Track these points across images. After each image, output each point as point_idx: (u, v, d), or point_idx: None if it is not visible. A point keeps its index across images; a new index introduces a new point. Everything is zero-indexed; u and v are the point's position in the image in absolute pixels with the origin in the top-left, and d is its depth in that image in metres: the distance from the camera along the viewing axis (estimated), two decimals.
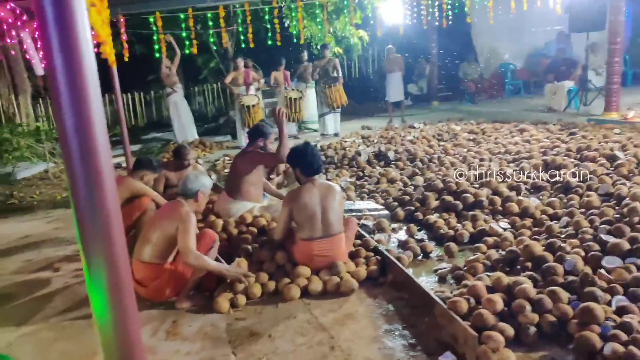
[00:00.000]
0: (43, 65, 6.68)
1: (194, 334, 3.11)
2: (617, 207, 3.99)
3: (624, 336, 2.49)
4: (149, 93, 14.57)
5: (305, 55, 10.72)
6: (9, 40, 7.35)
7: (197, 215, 3.78)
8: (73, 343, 3.09)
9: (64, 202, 6.83)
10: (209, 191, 3.69)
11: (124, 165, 6.73)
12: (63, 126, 0.98)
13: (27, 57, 7.11)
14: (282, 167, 6.06)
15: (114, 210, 1.01)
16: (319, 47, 11.01)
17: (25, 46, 6.79)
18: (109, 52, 4.99)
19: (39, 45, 6.85)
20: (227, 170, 5.31)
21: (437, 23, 11.87)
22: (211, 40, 11.26)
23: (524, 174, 5.34)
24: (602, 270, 3.07)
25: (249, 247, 3.95)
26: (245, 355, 2.83)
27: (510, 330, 2.67)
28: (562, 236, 3.75)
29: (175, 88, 10.22)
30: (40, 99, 12.11)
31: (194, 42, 8.30)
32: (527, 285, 2.93)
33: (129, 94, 13.68)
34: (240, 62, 9.89)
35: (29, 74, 10.97)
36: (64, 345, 3.07)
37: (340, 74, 10.19)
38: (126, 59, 6.54)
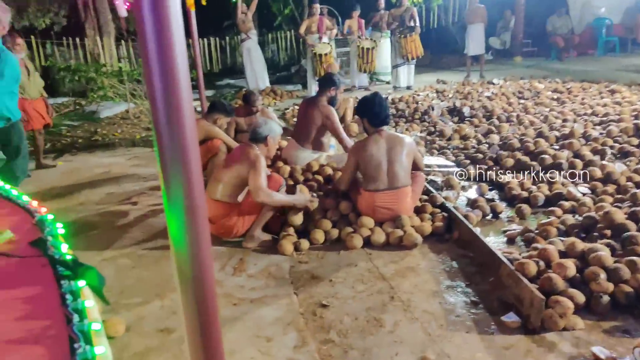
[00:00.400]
0: (126, 7, 6.90)
1: (259, 272, 3.24)
2: None
3: None
4: (224, 39, 14.75)
5: (382, 2, 10.37)
6: None
7: (266, 160, 3.87)
8: (149, 270, 3.32)
9: (142, 141, 7.21)
10: (278, 137, 3.77)
11: (199, 109, 6.94)
12: (148, 66, 1.01)
13: None
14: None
15: (192, 145, 1.04)
16: None
17: None
18: None
19: None
20: (296, 119, 5.33)
21: None
22: None
23: (610, 137, 4.98)
24: None
25: (314, 194, 4.00)
26: (306, 296, 2.92)
27: (580, 297, 2.57)
28: None
29: (249, 34, 10.29)
30: (122, 41, 12.59)
31: None
32: (604, 252, 2.78)
33: (205, 40, 13.91)
34: (317, 7, 9.74)
35: (113, 15, 11.37)
36: (141, 272, 3.31)
37: (418, 24, 9.80)
38: (204, 3, 6.59)
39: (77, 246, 3.56)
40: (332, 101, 4.74)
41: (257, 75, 10.54)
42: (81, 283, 1.72)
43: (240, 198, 3.56)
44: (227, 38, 14.75)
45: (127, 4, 6.88)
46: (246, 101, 5.47)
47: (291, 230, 3.66)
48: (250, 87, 10.22)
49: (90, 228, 4.09)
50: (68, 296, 1.60)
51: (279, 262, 3.37)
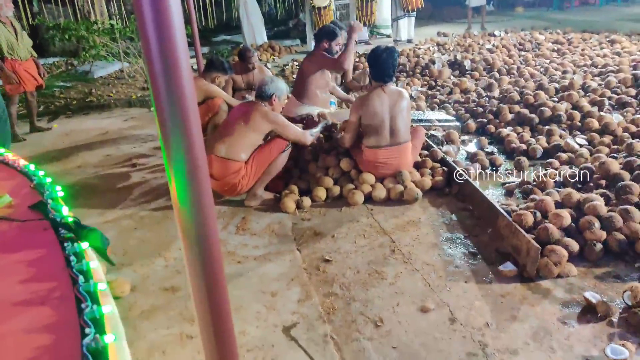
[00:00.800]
0: None
1: (262, 230, 3.30)
2: None
3: None
4: None
5: None
6: None
7: None
8: (151, 231, 3.37)
9: (139, 101, 7.15)
10: (284, 96, 3.71)
11: (195, 67, 6.84)
12: (143, 22, 1.00)
13: None
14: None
15: (190, 103, 1.05)
16: None
17: None
18: None
19: None
20: (295, 76, 5.26)
21: None
22: None
23: (609, 88, 4.95)
24: None
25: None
26: (309, 252, 2.99)
27: (574, 246, 2.64)
28: None
29: None
30: None
31: None
32: (599, 202, 2.83)
33: None
34: None
35: None
36: (143, 233, 3.36)
37: None
38: None
39: (78, 209, 3.62)
40: (327, 53, 4.64)
41: (254, 30, 10.34)
42: (84, 245, 1.75)
43: (244, 156, 3.57)
44: None
45: None
46: (242, 58, 5.39)
47: (294, 188, 3.71)
48: (248, 43, 10.05)
49: (90, 191, 4.12)
50: (72, 258, 1.63)
51: (281, 219, 3.43)
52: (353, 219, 3.36)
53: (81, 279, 1.51)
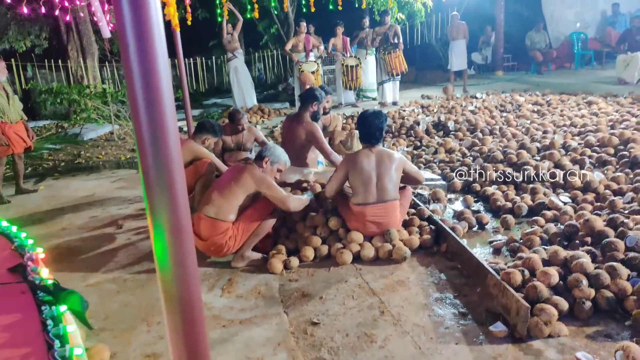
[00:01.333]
0: (110, 28, 6.91)
1: (248, 292, 3.24)
2: None
3: None
4: (210, 58, 14.82)
5: (366, 21, 10.53)
6: (77, 2, 7.61)
7: None
8: (134, 295, 3.29)
9: (128, 162, 7.17)
10: (279, 164, 3.73)
11: (185, 129, 6.94)
12: (132, 86, 1.03)
13: (95, 19, 7.37)
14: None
15: (176, 165, 1.06)
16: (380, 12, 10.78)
17: (92, 8, 7.03)
18: (173, 14, 5.07)
19: (106, 8, 7.07)
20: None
21: None
22: (272, 4, 11.25)
23: (589, 147, 5.10)
24: None
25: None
26: (297, 314, 2.92)
27: (564, 304, 2.61)
28: (626, 212, 3.58)
29: (236, 53, 10.37)
30: (106, 62, 12.59)
31: (256, 6, 8.32)
32: (585, 259, 2.84)
33: (191, 59, 13.97)
34: (304, 26, 9.86)
35: (97, 37, 11.36)
36: (126, 296, 3.28)
37: (401, 41, 9.97)
38: (189, 23, 6.65)
39: (60, 272, 3.54)
40: (315, 116, 4.75)
41: (244, 93, 10.60)
42: (63, 308, 1.70)
43: (232, 217, 3.56)
44: (214, 57, 14.82)
45: (112, 25, 6.89)
46: (231, 119, 5.49)
47: (282, 248, 3.68)
48: (238, 106, 10.26)
49: (73, 253, 4.05)
50: (49, 322, 1.59)
51: (268, 281, 3.37)
52: (341, 279, 3.31)
53: (57, 343, 1.46)
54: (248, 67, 11.67)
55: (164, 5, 5.00)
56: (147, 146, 1.03)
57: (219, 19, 9.95)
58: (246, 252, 3.61)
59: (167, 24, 5.57)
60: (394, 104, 10.13)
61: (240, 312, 3.00)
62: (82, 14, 10.09)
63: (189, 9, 6.81)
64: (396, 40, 9.84)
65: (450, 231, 3.59)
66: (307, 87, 5.26)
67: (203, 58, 14.59)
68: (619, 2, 12.86)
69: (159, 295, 2.75)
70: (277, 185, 3.64)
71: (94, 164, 7.23)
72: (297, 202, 3.69)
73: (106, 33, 7.28)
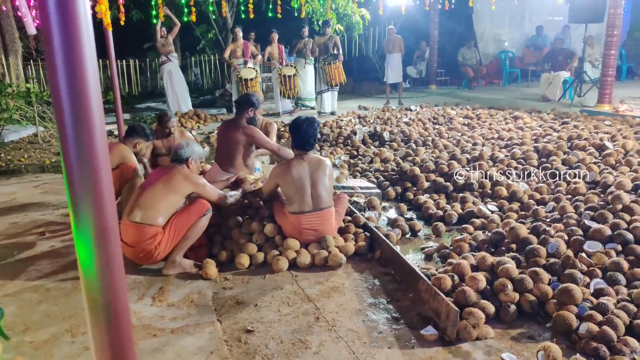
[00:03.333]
0: (36, 24, 6.56)
1: (180, 301, 3.14)
2: (602, 195, 4.05)
3: (599, 317, 2.56)
4: (144, 61, 14.39)
5: (306, 30, 10.61)
6: None
7: None
8: (57, 305, 3.10)
9: (53, 166, 6.79)
10: (200, 159, 3.74)
11: (116, 133, 6.68)
12: (56, 86, 0.98)
13: (19, 15, 6.96)
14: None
15: (103, 165, 1.01)
16: (319, 23, 10.90)
17: (17, 3, 6.63)
18: (105, 12, 4.85)
19: (32, 3, 6.69)
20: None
21: (439, 6, 11.77)
22: (210, 9, 11.09)
23: (514, 159, 5.39)
24: (583, 254, 3.13)
25: (240, 218, 3.97)
26: (231, 322, 2.87)
27: (491, 308, 2.73)
28: (548, 220, 3.81)
29: (170, 57, 10.11)
30: (31, 60, 11.90)
31: (193, 9, 8.16)
32: (510, 265, 2.99)
33: (124, 61, 13.50)
34: (239, 32, 9.77)
35: (21, 33, 10.74)
36: (48, 306, 3.08)
37: (341, 52, 10.13)
38: (122, 23, 6.41)
39: None
40: (251, 122, 4.68)
41: (179, 98, 10.34)
42: None
43: (161, 220, 3.44)
44: (148, 60, 14.39)
45: (37, 21, 6.52)
46: (160, 122, 5.34)
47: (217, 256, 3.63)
48: (172, 111, 10.00)
49: None
50: None
51: (201, 289, 3.29)
52: (277, 286, 3.29)
53: None
54: (184, 71, 11.43)
55: (95, 3, 4.79)
56: (71, 143, 0.98)
57: (154, 21, 9.69)
58: (177, 258, 3.50)
59: (99, 24, 5.36)
60: (332, 113, 10.26)
61: (171, 321, 2.90)
62: (4, 8, 9.49)
63: (122, 9, 6.58)
64: (336, 51, 10.00)
65: (385, 238, 3.66)
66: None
67: (137, 60, 14.14)
68: (542, 25, 13.75)
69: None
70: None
71: (15, 168, 6.77)
72: (232, 198, 3.80)
73: (31, 29, 6.89)
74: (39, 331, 2.80)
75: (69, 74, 0.96)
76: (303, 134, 3.75)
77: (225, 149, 4.69)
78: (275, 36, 10.27)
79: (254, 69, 9.70)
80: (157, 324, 2.87)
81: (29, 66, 11.59)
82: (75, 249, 1.01)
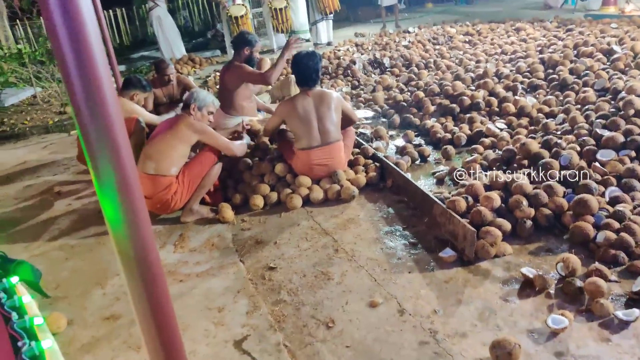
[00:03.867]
0: None
1: (201, 245, 3.21)
2: (613, 102, 3.98)
3: (616, 224, 2.59)
4: (131, 9, 13.90)
5: None
6: None
7: None
8: (84, 260, 3.19)
9: (56, 126, 6.77)
10: (207, 107, 3.56)
11: (114, 86, 6.57)
12: (57, 40, 0.94)
13: None
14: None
15: (116, 119, 1.00)
16: None
17: None
18: None
19: None
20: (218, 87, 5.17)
21: None
22: None
23: (520, 73, 5.27)
24: (597, 164, 3.12)
25: (249, 160, 3.97)
26: (253, 261, 2.94)
27: (507, 225, 2.77)
28: (559, 133, 3.78)
29: (157, 2, 9.78)
30: (17, 20, 11.55)
31: None
32: (524, 181, 2.99)
33: (111, 11, 13.05)
34: None
35: None
36: (75, 263, 3.18)
37: None
38: None
39: (0, 245, 3.36)
40: (249, 61, 4.56)
41: (171, 44, 10.09)
42: (14, 279, 1.63)
43: (174, 170, 3.45)
44: (135, 8, 13.90)
45: None
46: (157, 70, 5.23)
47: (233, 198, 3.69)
48: (166, 57, 9.77)
49: (12, 224, 3.84)
50: (2, 295, 1.52)
51: (220, 232, 3.35)
52: (294, 224, 3.34)
53: (14, 315, 1.41)
54: (173, 15, 11.05)
55: None
56: (82, 102, 0.96)
57: None
58: (194, 206, 3.55)
59: None
60: (329, 44, 10.00)
61: (195, 265, 2.98)
62: None
63: None
64: None
65: (395, 167, 3.67)
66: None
67: (124, 9, 13.66)
68: None
69: (111, 258, 2.66)
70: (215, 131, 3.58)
71: (20, 131, 6.75)
72: (241, 146, 3.70)
73: None
74: (70, 287, 2.89)
75: (68, 28, 0.92)
76: (304, 69, 3.68)
77: (223, 91, 4.63)
78: None
79: (243, 5, 9.36)
80: (182, 269, 2.95)
81: (15, 26, 11.25)
82: (100, 206, 1.02)
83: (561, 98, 4.49)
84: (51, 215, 3.93)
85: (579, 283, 2.27)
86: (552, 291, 2.34)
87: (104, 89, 0.98)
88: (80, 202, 4.10)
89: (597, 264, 2.40)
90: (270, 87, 5.85)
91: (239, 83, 4.49)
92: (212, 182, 3.58)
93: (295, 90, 5.52)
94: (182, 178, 3.46)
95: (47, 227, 3.72)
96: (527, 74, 5.26)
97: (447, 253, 2.69)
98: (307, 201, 3.58)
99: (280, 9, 9.41)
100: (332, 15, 10.00)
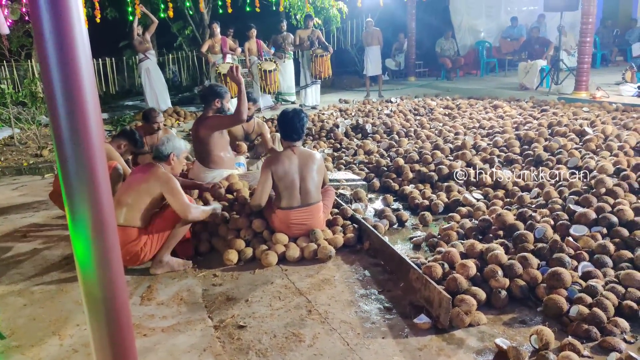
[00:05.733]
0: (8, 23, 6.37)
1: (170, 299, 3.10)
2: (585, 179, 4.11)
3: (589, 299, 2.61)
4: (121, 59, 14.13)
5: (284, 25, 10.55)
6: None
7: None
8: (43, 308, 3.03)
9: (30, 169, 6.64)
10: (183, 155, 3.58)
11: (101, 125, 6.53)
12: (50, 84, 0.94)
13: None
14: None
15: (99, 159, 0.99)
16: (297, 16, 10.85)
17: None
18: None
19: (4, 2, 6.51)
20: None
21: None
22: (187, 4, 10.91)
23: (497, 147, 5.44)
24: (570, 238, 3.18)
25: (226, 214, 3.93)
26: (222, 319, 2.84)
27: (482, 294, 2.75)
28: (533, 206, 3.85)
29: (147, 54, 9.95)
30: (4, 61, 11.60)
31: (170, 5, 8.02)
32: (499, 251, 3.01)
33: (100, 60, 13.24)
34: (217, 27, 9.65)
35: None
36: (34, 310, 3.02)
37: (330, 45, 10.19)
38: (98, 21, 6.28)
39: None
40: (220, 113, 4.55)
41: (157, 96, 10.19)
42: None
43: (143, 221, 3.36)
44: (124, 58, 14.14)
45: (10, 20, 6.31)
46: (146, 118, 5.25)
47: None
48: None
49: None
50: None
51: (190, 286, 3.25)
52: (267, 281, 3.27)
53: None
54: (162, 68, 11.24)
55: None
56: (65, 133, 0.95)
57: (130, 18, 9.51)
58: (165, 257, 3.45)
59: None
60: (314, 107, 10.24)
61: (162, 319, 2.86)
62: None
63: (97, 6, 6.44)
64: (321, 45, 10.06)
65: (373, 229, 3.67)
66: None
67: (113, 59, 13.88)
68: (516, 17, 13.92)
69: (72, 307, 2.54)
70: (182, 189, 3.42)
71: None
72: (198, 212, 3.44)
73: (4, 29, 6.69)
74: (25, 335, 2.73)
75: (62, 68, 0.93)
76: (290, 124, 3.71)
77: (199, 146, 4.56)
78: (254, 32, 10.18)
79: (232, 64, 9.60)
80: (147, 323, 2.83)
81: (2, 67, 11.30)
82: (72, 244, 0.98)
83: (535, 173, 4.62)
84: (14, 259, 3.78)
85: (552, 357, 2.24)
86: None
87: (91, 126, 0.97)
88: (46, 246, 3.96)
89: (570, 338, 2.38)
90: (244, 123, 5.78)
91: (212, 133, 4.45)
92: (184, 232, 3.50)
93: (279, 147, 5.56)
94: (152, 228, 3.39)
95: (8, 270, 3.56)
96: (504, 148, 5.43)
97: (422, 319, 2.64)
98: (282, 259, 3.52)
99: (270, 71, 9.67)
100: (320, 80, 10.34)
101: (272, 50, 10.78)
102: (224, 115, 4.47)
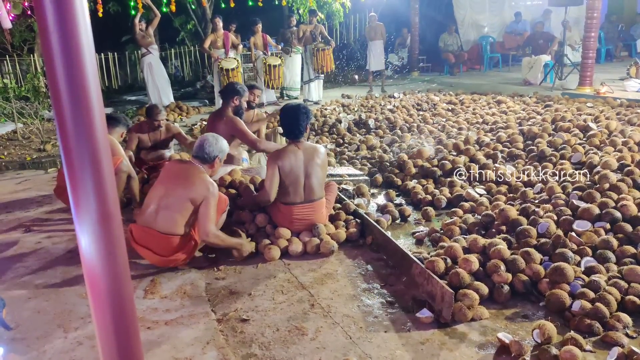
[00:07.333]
0: (11, 18, 6.37)
1: (173, 293, 3.11)
2: (588, 175, 4.10)
3: (591, 294, 2.61)
4: (123, 54, 14.13)
5: (294, 19, 10.53)
6: None
7: None
8: (48, 301, 3.05)
9: (33, 163, 6.66)
10: (224, 158, 3.48)
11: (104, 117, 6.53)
12: (55, 78, 0.95)
13: None
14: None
15: (103, 149, 0.99)
16: (300, 11, 10.82)
17: None
18: None
19: None
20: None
21: None
22: None
23: (500, 142, 5.43)
24: (573, 233, 3.17)
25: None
26: (225, 312, 2.85)
27: (484, 289, 2.76)
28: (536, 201, 3.85)
29: (150, 49, 9.93)
30: (7, 56, 11.60)
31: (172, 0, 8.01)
32: (502, 246, 3.01)
33: (102, 55, 13.24)
34: (219, 22, 9.62)
35: None
36: (38, 303, 3.03)
37: (332, 40, 10.19)
38: (100, 15, 6.27)
39: None
40: (237, 111, 4.62)
41: (159, 90, 10.18)
42: None
43: (188, 229, 3.30)
44: (127, 53, 14.13)
45: (12, 15, 6.29)
46: (149, 114, 5.24)
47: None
48: (153, 103, 9.85)
49: None
50: None
51: (193, 280, 3.26)
52: (270, 275, 3.28)
53: None
54: (164, 63, 11.21)
55: None
56: (70, 125, 0.95)
57: (133, 12, 9.49)
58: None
59: None
60: (316, 103, 10.22)
61: (165, 313, 2.88)
62: None
63: (99, 1, 6.43)
64: (323, 40, 10.05)
65: (375, 224, 3.67)
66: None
67: (115, 53, 13.88)
68: (520, 12, 13.85)
69: (76, 300, 2.56)
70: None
71: None
72: (218, 240, 3.30)
73: (6, 24, 6.70)
74: (30, 328, 2.75)
75: (66, 62, 0.93)
76: (292, 121, 3.69)
77: None
78: (260, 26, 10.16)
79: (235, 59, 9.59)
80: (151, 316, 2.84)
81: (4, 62, 11.30)
82: (77, 237, 0.98)
83: (539, 168, 4.61)
84: (18, 253, 3.79)
85: (554, 351, 2.25)
86: (527, 358, 2.30)
87: (95, 118, 0.97)
88: (50, 241, 3.98)
89: (572, 333, 2.39)
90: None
91: (227, 134, 4.51)
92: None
93: (280, 140, 5.58)
94: (196, 234, 3.36)
95: (13, 264, 3.58)
96: (507, 143, 5.42)
97: (424, 314, 2.65)
98: (285, 253, 3.53)
99: (274, 66, 9.66)
100: (323, 75, 10.33)
101: (281, 46, 10.78)
102: (248, 133, 4.54)
